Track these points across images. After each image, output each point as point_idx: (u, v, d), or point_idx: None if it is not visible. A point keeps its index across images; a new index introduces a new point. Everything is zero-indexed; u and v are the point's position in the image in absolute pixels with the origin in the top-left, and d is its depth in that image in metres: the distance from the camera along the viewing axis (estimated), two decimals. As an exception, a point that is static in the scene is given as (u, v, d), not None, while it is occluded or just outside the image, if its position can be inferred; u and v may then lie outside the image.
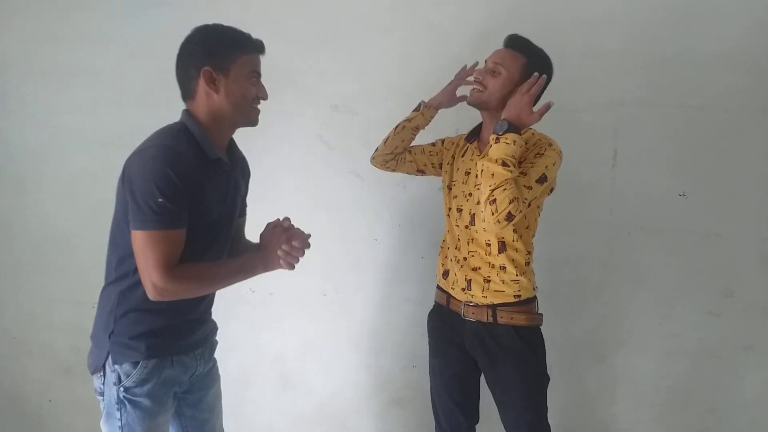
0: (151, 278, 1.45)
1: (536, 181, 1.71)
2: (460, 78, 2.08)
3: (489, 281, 1.85)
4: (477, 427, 2.04)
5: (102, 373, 1.56)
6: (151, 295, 1.47)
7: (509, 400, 1.86)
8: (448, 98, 2.07)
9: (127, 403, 1.53)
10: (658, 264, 2.33)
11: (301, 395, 2.59)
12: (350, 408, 2.57)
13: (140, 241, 1.44)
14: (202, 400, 1.73)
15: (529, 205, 1.70)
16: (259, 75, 1.62)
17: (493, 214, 1.65)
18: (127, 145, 2.33)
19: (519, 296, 1.84)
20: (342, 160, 2.46)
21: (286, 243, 1.59)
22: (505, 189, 1.63)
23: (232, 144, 1.72)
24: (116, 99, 2.50)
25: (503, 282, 1.84)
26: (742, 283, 2.29)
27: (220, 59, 1.54)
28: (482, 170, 1.69)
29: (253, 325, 2.55)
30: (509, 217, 1.63)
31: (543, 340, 1.90)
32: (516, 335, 1.83)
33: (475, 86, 1.86)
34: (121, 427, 1.55)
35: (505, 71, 1.81)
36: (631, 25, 2.26)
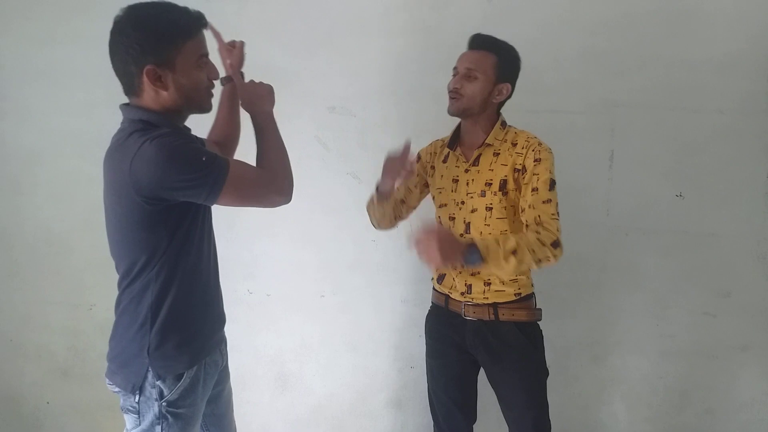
0: (268, 195, 1.47)
1: (549, 191, 1.73)
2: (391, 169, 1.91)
3: (489, 284, 1.85)
4: (474, 426, 2.05)
5: (139, 392, 1.44)
6: (278, 201, 1.50)
7: (513, 396, 1.86)
8: (392, 182, 1.92)
9: (169, 416, 1.45)
10: (654, 264, 2.34)
11: (299, 396, 2.59)
12: (348, 409, 2.57)
13: (230, 192, 1.37)
14: (221, 395, 1.68)
15: (558, 213, 1.72)
16: (207, 55, 1.45)
17: (549, 259, 1.66)
18: (124, 147, 2.33)
19: (519, 294, 1.85)
20: (339, 162, 2.46)
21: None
22: (526, 253, 1.63)
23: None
24: (111, 101, 2.47)
25: (503, 283, 1.84)
26: (738, 283, 2.30)
27: (164, 54, 1.36)
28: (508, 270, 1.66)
29: (251, 326, 2.55)
30: (555, 244, 1.66)
31: (542, 334, 1.91)
32: (518, 331, 1.84)
33: (451, 96, 1.83)
34: None
35: (480, 74, 1.79)
36: (627, 27, 2.26)
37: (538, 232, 1.67)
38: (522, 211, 1.78)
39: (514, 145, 1.82)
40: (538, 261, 1.65)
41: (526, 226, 1.76)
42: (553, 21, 2.29)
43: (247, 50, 2.41)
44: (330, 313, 2.53)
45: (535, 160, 1.76)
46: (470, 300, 1.87)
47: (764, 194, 2.26)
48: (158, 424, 1.44)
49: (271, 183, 1.46)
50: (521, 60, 1.85)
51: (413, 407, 2.51)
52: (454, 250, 1.58)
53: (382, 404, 2.55)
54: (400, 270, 2.47)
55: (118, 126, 2.45)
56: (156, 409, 1.44)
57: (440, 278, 1.97)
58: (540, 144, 1.79)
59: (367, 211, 2.08)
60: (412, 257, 2.44)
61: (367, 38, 2.40)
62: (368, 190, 2.44)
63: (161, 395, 1.43)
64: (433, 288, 2.03)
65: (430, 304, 2.06)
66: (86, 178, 2.52)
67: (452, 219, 1.90)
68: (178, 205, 1.39)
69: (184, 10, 1.40)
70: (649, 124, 2.28)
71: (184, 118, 1.52)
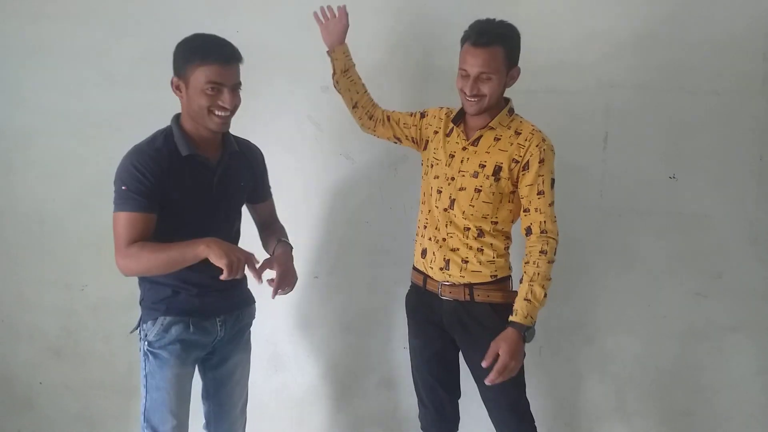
0: (117, 251, 1.68)
1: (551, 189, 1.80)
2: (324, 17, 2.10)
3: (467, 262, 1.87)
4: (459, 402, 2.06)
5: (139, 334, 1.83)
6: (119, 266, 1.69)
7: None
8: (335, 34, 2.06)
9: (149, 354, 1.78)
10: (647, 246, 2.34)
11: (293, 377, 2.60)
12: (341, 389, 2.59)
13: (114, 219, 1.69)
14: (223, 364, 1.92)
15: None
16: (218, 85, 1.67)
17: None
18: (115, 127, 2.33)
19: (495, 276, 1.87)
20: (332, 142, 2.44)
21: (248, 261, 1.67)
22: (548, 282, 1.76)
23: (227, 139, 1.85)
24: (104, 80, 2.46)
25: (480, 263, 1.86)
26: (730, 264, 2.31)
27: (182, 69, 1.68)
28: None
29: (244, 307, 2.55)
30: (556, 247, 1.80)
31: None
32: (492, 312, 1.85)
33: (470, 100, 1.79)
34: (145, 376, 1.80)
35: (494, 74, 1.75)
36: (623, 7, 2.24)
37: (544, 251, 1.76)
38: (526, 212, 1.81)
39: (518, 134, 1.82)
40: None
41: (528, 229, 1.80)
42: (548, 1, 2.27)
43: (238, 29, 2.38)
44: (324, 294, 2.53)
45: (540, 161, 1.77)
46: (447, 280, 1.89)
47: (758, 176, 2.26)
48: (145, 359, 1.80)
49: (118, 253, 1.68)
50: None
51: (406, 387, 2.51)
52: (520, 345, 1.73)
53: (375, 384, 2.57)
54: (393, 251, 2.46)
55: (109, 105, 2.46)
56: (144, 347, 1.80)
57: (423, 252, 1.97)
58: (544, 140, 1.80)
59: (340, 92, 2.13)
60: (405, 238, 2.44)
61: (361, 17, 2.36)
62: (361, 171, 2.44)
63: (146, 336, 1.80)
64: (413, 267, 2.04)
65: (410, 284, 2.07)
66: (79, 158, 2.50)
67: (439, 192, 1.91)
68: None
69: (215, 43, 1.69)
70: (644, 105, 2.27)
71: (207, 130, 1.75)
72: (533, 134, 1.80)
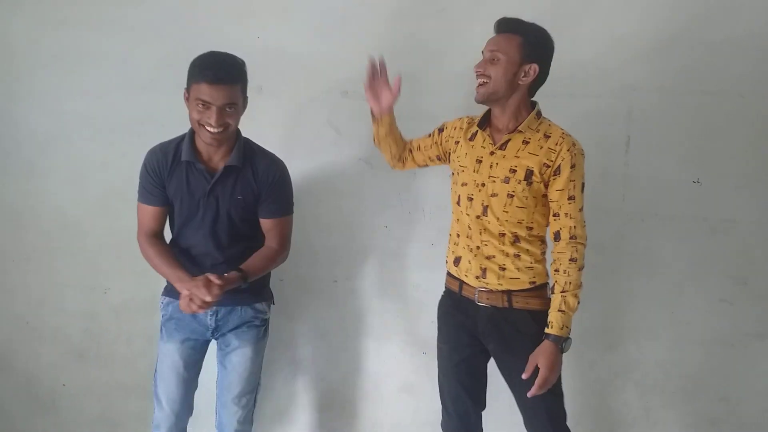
0: (137, 235, 2.02)
1: (581, 193, 1.80)
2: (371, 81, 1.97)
3: (504, 269, 1.84)
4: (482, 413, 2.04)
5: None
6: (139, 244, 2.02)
7: (527, 384, 1.83)
8: (386, 104, 1.95)
9: (162, 326, 2.12)
10: (670, 251, 2.31)
11: (311, 381, 2.60)
12: (360, 394, 2.58)
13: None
14: (226, 355, 2.11)
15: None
16: (205, 103, 1.83)
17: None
18: (135, 131, 2.36)
19: (534, 282, 1.84)
20: (352, 147, 2.44)
21: (195, 291, 1.81)
22: (579, 289, 1.78)
23: (236, 152, 1.97)
24: (124, 85, 2.49)
25: (518, 269, 1.83)
26: (756, 270, 2.27)
27: (188, 83, 1.89)
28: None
29: (263, 311, 2.56)
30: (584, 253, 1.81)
31: None
32: (531, 319, 1.83)
33: (478, 80, 1.81)
34: (158, 342, 2.13)
35: (503, 55, 1.76)
36: (646, 9, 2.22)
37: (574, 259, 1.76)
38: (556, 216, 1.80)
39: (547, 137, 1.80)
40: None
41: (557, 234, 1.79)
42: (571, 3, 2.25)
43: (259, 35, 2.40)
44: (342, 299, 2.53)
45: (572, 166, 1.76)
46: (484, 286, 1.86)
47: (784, 180, 2.22)
48: (162, 329, 2.12)
49: (138, 237, 2.03)
50: (553, 41, 1.82)
51: (425, 393, 2.50)
52: (558, 357, 1.75)
53: (394, 389, 2.56)
54: (411, 255, 2.46)
55: (130, 110, 2.51)
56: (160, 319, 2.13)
57: (456, 260, 1.95)
58: (574, 144, 1.78)
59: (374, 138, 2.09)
60: (423, 243, 2.43)
61: (381, 22, 2.38)
62: (380, 176, 2.44)
63: (162, 309, 2.12)
64: (447, 273, 2.02)
65: (444, 290, 2.05)
66: (100, 162, 2.53)
67: (470, 199, 1.88)
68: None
69: (210, 63, 1.85)
70: (667, 108, 2.25)
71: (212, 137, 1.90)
72: (563, 138, 1.79)
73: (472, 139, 1.92)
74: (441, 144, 2.02)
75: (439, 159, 2.06)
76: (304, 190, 2.48)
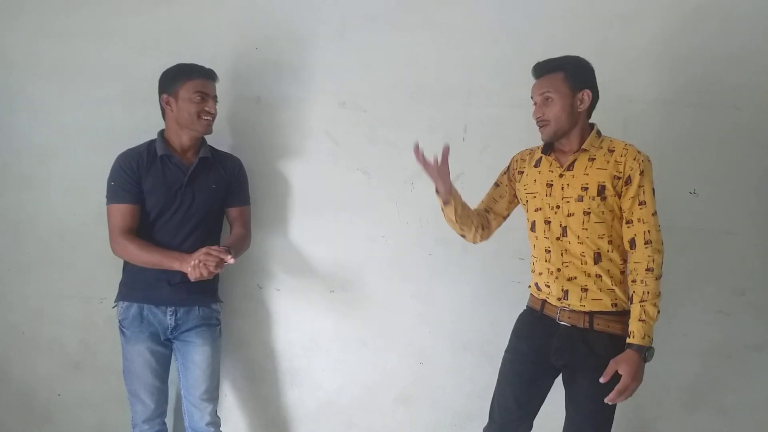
0: (111, 238, 2.14)
1: (653, 197, 1.81)
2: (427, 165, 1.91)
3: (586, 290, 1.86)
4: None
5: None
6: (113, 250, 2.14)
7: (584, 401, 1.85)
8: (445, 179, 1.91)
9: (120, 330, 2.22)
10: (668, 262, 2.27)
11: (308, 391, 2.59)
12: (356, 405, 2.57)
13: (107, 211, 2.15)
14: (189, 351, 2.23)
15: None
16: (204, 95, 2.14)
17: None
18: (134, 142, 2.36)
19: (616, 305, 1.85)
20: (349, 157, 2.45)
21: (204, 260, 1.99)
22: (659, 298, 1.78)
23: (202, 148, 2.23)
24: (123, 96, 2.50)
25: (600, 290, 1.85)
26: (753, 281, 2.27)
27: (171, 87, 2.15)
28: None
29: (261, 321, 2.55)
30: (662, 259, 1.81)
31: None
32: (610, 344, 1.83)
33: (539, 126, 1.88)
34: (121, 346, 2.23)
35: (554, 94, 1.83)
36: (642, 22, 2.23)
37: (651, 269, 1.76)
38: (629, 223, 1.81)
39: (611, 151, 1.84)
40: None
41: (632, 241, 1.80)
42: (567, 15, 2.27)
43: (258, 46, 2.42)
44: (339, 309, 2.53)
45: (641, 173, 1.79)
46: (566, 306, 1.88)
47: (780, 191, 2.22)
48: (121, 333, 2.22)
49: (111, 239, 2.14)
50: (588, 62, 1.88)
51: (422, 403, 2.50)
52: (641, 366, 1.77)
53: (391, 400, 2.55)
54: (409, 266, 2.46)
55: (130, 121, 2.54)
56: (117, 323, 2.22)
57: (537, 285, 1.98)
58: (639, 153, 1.82)
59: (448, 222, 2.03)
60: (421, 254, 2.44)
61: (378, 33, 2.39)
62: (378, 187, 2.45)
63: (119, 314, 2.22)
64: (531, 293, 2.03)
65: (526, 306, 2.05)
66: (99, 173, 2.51)
67: (548, 222, 1.91)
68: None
69: (196, 65, 2.18)
70: (663, 119, 2.25)
71: (190, 136, 2.19)
72: (627, 149, 1.82)
73: (537, 165, 1.96)
74: (511, 182, 2.05)
75: (514, 197, 2.07)
76: (302, 200, 2.49)
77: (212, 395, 2.29)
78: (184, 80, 2.12)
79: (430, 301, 2.44)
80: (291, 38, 2.42)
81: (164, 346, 2.23)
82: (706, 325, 2.31)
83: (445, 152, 1.87)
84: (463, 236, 2.05)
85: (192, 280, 2.02)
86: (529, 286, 2.04)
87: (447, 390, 2.48)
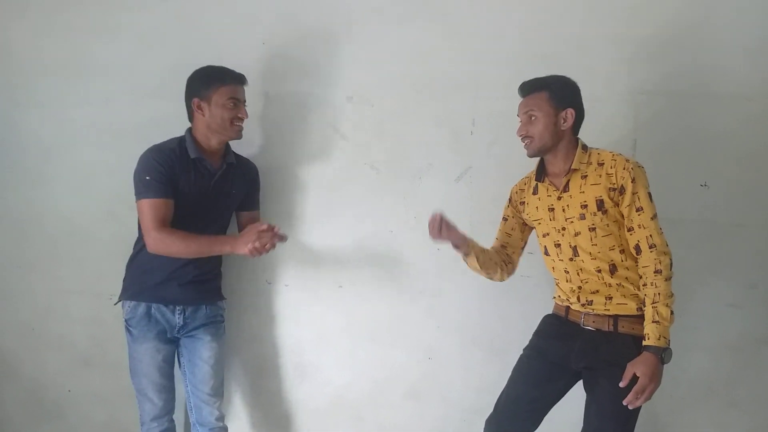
0: (147, 234, 2.05)
1: (650, 203, 1.82)
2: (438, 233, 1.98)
3: (611, 298, 1.87)
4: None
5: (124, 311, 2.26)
6: (149, 247, 2.07)
7: (605, 404, 1.84)
8: (456, 237, 1.98)
9: (126, 330, 2.23)
10: (678, 255, 2.25)
11: (317, 386, 2.59)
12: (366, 400, 2.57)
13: (139, 207, 2.08)
14: (197, 348, 2.26)
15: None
16: (237, 101, 2.14)
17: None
18: (141, 138, 2.36)
19: (641, 309, 1.85)
20: (357, 152, 2.44)
21: (259, 239, 1.99)
22: (671, 298, 1.78)
23: (228, 153, 2.24)
24: (129, 92, 2.50)
25: (624, 296, 1.86)
26: (765, 274, 2.25)
27: (203, 92, 2.11)
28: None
29: (270, 316, 2.55)
30: (670, 260, 1.81)
31: None
32: (633, 345, 1.83)
33: (524, 142, 1.92)
34: (127, 345, 2.23)
35: (537, 112, 1.87)
36: (652, 12, 2.21)
37: (658, 270, 1.77)
38: (630, 231, 1.83)
39: (601, 165, 1.86)
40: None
41: (637, 248, 1.81)
42: (576, 6, 2.25)
43: (264, 41, 2.41)
44: (348, 304, 2.52)
45: (632, 180, 1.80)
46: (591, 311, 1.89)
47: (793, 184, 2.20)
48: (127, 332, 2.22)
49: (148, 235, 2.06)
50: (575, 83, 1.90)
51: (431, 399, 2.49)
52: (659, 367, 1.75)
53: (400, 395, 2.54)
54: (417, 261, 2.45)
55: (137, 117, 2.55)
56: (124, 322, 2.23)
57: (560, 297, 2.00)
58: (627, 161, 1.84)
59: (473, 270, 2.08)
60: (430, 249, 2.42)
61: (385, 27, 2.38)
62: (386, 181, 2.44)
63: (126, 313, 2.22)
64: (555, 302, 2.05)
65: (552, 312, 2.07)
66: (106, 169, 2.54)
67: (558, 246, 1.94)
68: None
69: (228, 69, 2.15)
70: (674, 112, 2.23)
71: (219, 141, 2.18)
72: (615, 159, 1.85)
73: (535, 192, 2.00)
74: (517, 213, 2.09)
75: (525, 225, 2.10)
76: (310, 195, 2.48)
77: (219, 390, 2.32)
78: (218, 85, 2.10)
79: (438, 296, 2.43)
80: (297, 33, 2.41)
81: (170, 344, 2.25)
82: (717, 318, 2.30)
83: (440, 218, 1.93)
84: (490, 278, 2.09)
85: (251, 257, 2.04)
86: (554, 297, 2.05)
87: (456, 385, 2.47)
